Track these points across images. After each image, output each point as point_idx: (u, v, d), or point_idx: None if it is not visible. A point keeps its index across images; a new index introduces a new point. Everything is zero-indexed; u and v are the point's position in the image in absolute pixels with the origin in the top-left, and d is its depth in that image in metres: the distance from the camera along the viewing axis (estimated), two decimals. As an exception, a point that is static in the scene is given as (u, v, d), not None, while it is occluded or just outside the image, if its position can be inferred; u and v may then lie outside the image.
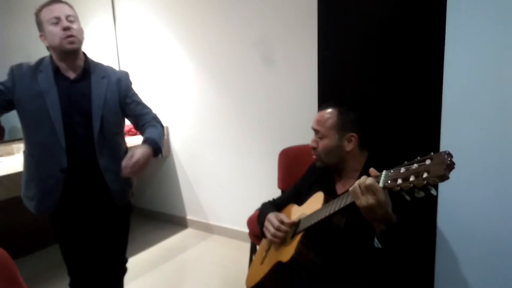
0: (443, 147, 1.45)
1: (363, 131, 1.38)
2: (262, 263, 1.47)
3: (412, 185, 0.91)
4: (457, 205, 1.45)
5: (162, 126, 1.81)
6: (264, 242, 1.58)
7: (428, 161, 0.91)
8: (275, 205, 1.58)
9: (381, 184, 1.01)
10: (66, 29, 1.55)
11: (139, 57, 3.39)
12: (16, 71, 1.61)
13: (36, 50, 1.63)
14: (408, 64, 1.55)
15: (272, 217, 1.42)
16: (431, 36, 1.46)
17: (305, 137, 2.51)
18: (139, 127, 1.78)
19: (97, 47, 3.43)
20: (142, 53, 3.36)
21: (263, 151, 2.84)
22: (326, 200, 1.28)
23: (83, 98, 1.64)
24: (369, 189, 1.02)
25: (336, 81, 1.76)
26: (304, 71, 2.52)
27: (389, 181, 0.99)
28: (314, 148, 1.41)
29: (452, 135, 1.43)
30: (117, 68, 3.44)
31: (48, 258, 2.87)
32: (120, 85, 1.74)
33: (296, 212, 1.43)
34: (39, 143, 1.64)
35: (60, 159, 1.61)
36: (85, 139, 1.64)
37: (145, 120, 1.77)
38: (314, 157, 1.44)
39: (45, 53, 1.67)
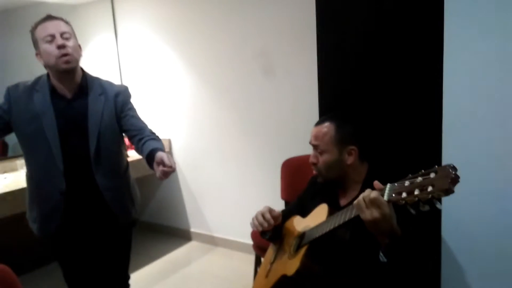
0: (445, 156, 1.45)
1: (363, 143, 1.37)
2: (267, 276, 1.46)
3: (417, 199, 0.91)
4: (462, 215, 1.44)
5: (159, 139, 1.68)
6: (268, 254, 1.57)
7: (432, 175, 0.90)
8: None
9: (385, 198, 1.00)
10: (60, 47, 1.49)
11: (140, 72, 3.42)
12: (12, 93, 1.57)
13: (39, 66, 1.62)
14: (408, 73, 1.55)
15: (263, 207, 1.46)
16: (429, 43, 1.47)
17: (307, 147, 2.50)
18: (136, 142, 1.65)
19: (100, 63, 3.47)
20: (143, 68, 3.39)
21: (265, 162, 2.84)
22: (330, 213, 1.27)
23: (80, 118, 1.59)
24: (373, 203, 1.02)
25: (337, 91, 1.76)
26: (304, 82, 2.54)
27: (393, 195, 0.98)
28: (315, 164, 1.40)
29: (454, 143, 1.43)
30: (119, 83, 3.50)
31: (52, 274, 2.85)
32: (117, 100, 1.67)
33: (300, 224, 1.42)
34: (37, 165, 1.62)
35: (58, 182, 1.58)
36: (83, 159, 1.59)
37: (143, 134, 1.65)
38: (314, 172, 1.43)
39: (48, 69, 1.67)
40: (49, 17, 1.55)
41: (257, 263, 2.33)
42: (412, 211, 0.94)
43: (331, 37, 1.73)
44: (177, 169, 3.38)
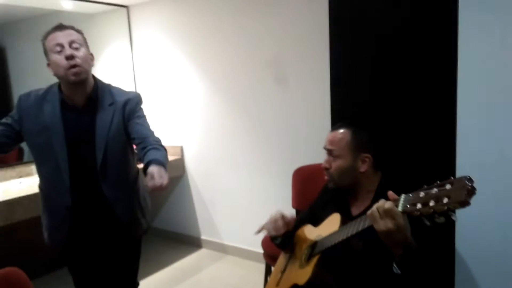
0: (459, 166, 1.43)
1: (377, 152, 1.36)
2: (277, 284, 1.45)
3: (432, 210, 0.90)
4: (476, 226, 1.42)
5: (166, 150, 1.59)
6: (279, 263, 1.56)
7: (448, 186, 0.90)
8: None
9: (400, 208, 1.00)
10: (69, 58, 1.45)
11: (154, 79, 3.47)
12: (23, 103, 1.56)
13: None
14: (422, 82, 1.54)
15: (276, 213, 1.46)
16: (444, 49, 1.46)
17: (318, 156, 2.49)
18: (140, 150, 1.57)
19: (115, 69, 3.53)
20: (157, 75, 3.44)
21: (277, 171, 2.84)
22: (343, 222, 1.26)
23: (89, 129, 1.56)
24: (388, 213, 1.01)
25: (349, 100, 1.76)
26: (317, 90, 2.53)
27: (408, 206, 0.98)
28: (327, 169, 1.40)
29: (468, 153, 1.41)
30: (133, 89, 3.54)
31: (65, 278, 2.87)
32: (125, 109, 1.62)
33: (312, 233, 1.41)
34: (45, 178, 1.62)
35: (64, 197, 1.57)
36: (91, 171, 1.57)
37: (146, 142, 1.55)
38: (326, 177, 1.42)
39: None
40: (60, 27, 1.51)
41: (267, 272, 2.31)
42: (427, 223, 0.93)
43: (344, 45, 1.73)
44: (189, 176, 3.40)
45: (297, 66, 2.62)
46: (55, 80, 1.62)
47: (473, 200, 0.87)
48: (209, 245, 3.36)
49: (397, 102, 1.61)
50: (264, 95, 2.81)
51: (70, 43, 1.48)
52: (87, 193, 1.60)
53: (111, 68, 3.57)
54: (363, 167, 1.34)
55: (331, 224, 1.31)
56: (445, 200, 0.87)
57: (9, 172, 2.76)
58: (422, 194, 0.95)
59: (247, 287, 2.67)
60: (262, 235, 2.29)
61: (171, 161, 3.27)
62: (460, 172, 1.42)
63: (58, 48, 1.46)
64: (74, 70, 1.47)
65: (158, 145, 1.56)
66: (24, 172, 2.81)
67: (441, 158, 1.49)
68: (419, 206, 0.94)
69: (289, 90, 2.69)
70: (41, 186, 1.68)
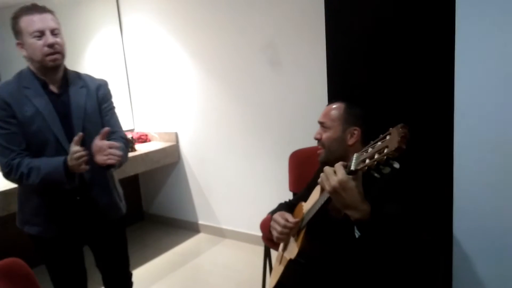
0: (456, 146, 1.43)
1: (367, 128, 1.39)
2: (280, 263, 1.48)
3: (376, 162, 0.93)
4: (473, 205, 1.43)
5: (127, 146, 1.73)
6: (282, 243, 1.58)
7: (388, 137, 0.93)
8: (290, 206, 1.59)
9: (352, 167, 1.02)
10: (51, 46, 1.45)
11: (146, 65, 3.42)
12: (7, 97, 1.47)
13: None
14: (419, 63, 1.54)
15: (277, 216, 1.42)
16: (441, 31, 1.45)
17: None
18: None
19: (105, 57, 3.47)
20: (149, 61, 3.39)
21: (273, 154, 2.85)
22: (322, 191, 1.27)
23: (67, 111, 1.56)
24: (330, 171, 1.05)
25: (346, 83, 1.75)
26: (312, 73, 2.53)
27: (359, 164, 1.00)
28: (318, 140, 1.44)
29: (466, 133, 1.41)
30: (125, 77, 3.50)
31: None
32: (98, 94, 1.66)
33: (304, 208, 1.44)
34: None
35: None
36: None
37: (111, 137, 1.63)
38: (318, 148, 1.45)
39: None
40: (36, 8, 1.46)
41: (267, 254, 2.34)
42: (376, 175, 0.96)
43: (340, 26, 1.72)
44: (184, 162, 3.40)
45: (292, 49, 2.60)
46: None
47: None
48: (207, 230, 3.39)
49: (394, 82, 1.61)
50: (259, 78, 2.80)
51: (52, 31, 1.47)
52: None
53: (101, 55, 3.50)
54: (351, 140, 1.37)
55: (314, 195, 1.34)
56: (385, 150, 0.91)
57: (2, 163, 2.73)
58: (370, 149, 0.98)
59: (247, 269, 2.71)
60: (260, 217, 2.33)
61: (166, 147, 3.27)
62: (457, 148, 1.43)
63: (38, 34, 1.44)
64: (53, 56, 1.48)
65: (121, 140, 1.67)
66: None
67: (439, 136, 1.50)
68: (367, 161, 0.97)
69: (284, 73, 2.68)
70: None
